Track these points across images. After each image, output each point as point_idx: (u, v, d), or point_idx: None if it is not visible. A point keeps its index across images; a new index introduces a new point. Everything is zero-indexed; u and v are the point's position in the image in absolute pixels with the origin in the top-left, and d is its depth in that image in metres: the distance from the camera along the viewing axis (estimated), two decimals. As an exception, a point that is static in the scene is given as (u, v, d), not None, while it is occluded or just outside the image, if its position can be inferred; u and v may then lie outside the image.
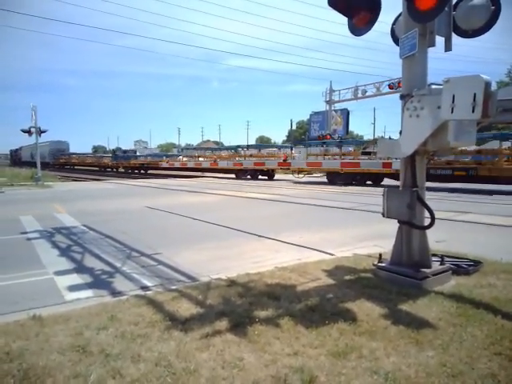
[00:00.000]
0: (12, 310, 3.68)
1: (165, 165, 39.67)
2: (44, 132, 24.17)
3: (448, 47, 4.38)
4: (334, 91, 34.30)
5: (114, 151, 53.37)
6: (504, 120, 3.88)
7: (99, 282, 4.56)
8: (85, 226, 8.42)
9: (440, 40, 4.37)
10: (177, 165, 38.28)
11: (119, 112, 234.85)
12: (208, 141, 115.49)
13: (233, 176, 30.75)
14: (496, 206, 11.47)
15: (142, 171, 44.42)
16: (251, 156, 32.45)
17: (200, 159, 37.57)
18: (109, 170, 50.78)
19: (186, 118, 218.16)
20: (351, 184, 21.47)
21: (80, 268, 5.17)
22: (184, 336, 2.99)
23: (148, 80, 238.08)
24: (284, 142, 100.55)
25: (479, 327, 3.06)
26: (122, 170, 47.15)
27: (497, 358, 2.61)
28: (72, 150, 70.41)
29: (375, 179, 21.33)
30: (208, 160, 35.61)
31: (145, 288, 4.31)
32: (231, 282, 4.30)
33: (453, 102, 3.60)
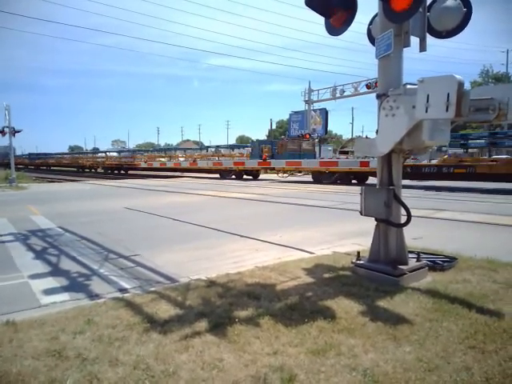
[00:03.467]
0: (-16, 316, 3.56)
1: (143, 165, 39.22)
2: (18, 132, 23.60)
3: (423, 48, 4.46)
4: (313, 91, 34.55)
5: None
6: (476, 119, 3.95)
7: (76, 285, 4.47)
8: (61, 227, 8.24)
9: (415, 40, 4.45)
10: (156, 165, 37.95)
11: (97, 111, 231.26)
12: (188, 140, 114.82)
13: (216, 176, 30.68)
14: (471, 203, 11.76)
15: (122, 171, 44.18)
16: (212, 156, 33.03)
17: (180, 159, 37.41)
18: (87, 170, 50.32)
19: (166, 118, 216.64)
20: (336, 183, 21.58)
21: (56, 271, 5.05)
22: (163, 338, 2.96)
23: (127, 79, 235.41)
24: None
25: (454, 322, 3.13)
26: (101, 171, 46.73)
27: (471, 351, 2.67)
28: (48, 150, 69.87)
29: (362, 178, 21.53)
30: (188, 160, 35.52)
31: (123, 290, 4.24)
32: (211, 283, 4.28)
33: (427, 101, 3.66)
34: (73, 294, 4.16)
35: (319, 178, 22.85)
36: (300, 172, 26.67)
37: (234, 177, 28.82)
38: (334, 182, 21.78)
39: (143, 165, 39.41)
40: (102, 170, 45.71)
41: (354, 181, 21.91)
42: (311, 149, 30.33)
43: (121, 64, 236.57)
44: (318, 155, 30.38)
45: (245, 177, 28.81)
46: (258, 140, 34.00)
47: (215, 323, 3.18)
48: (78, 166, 53.15)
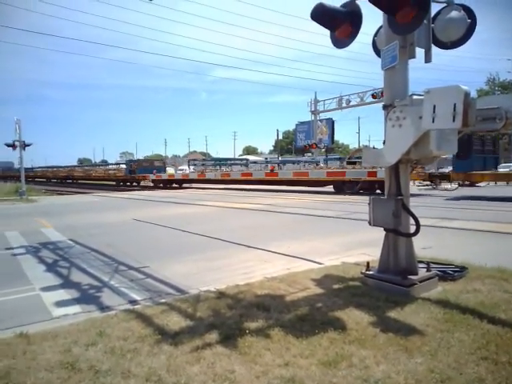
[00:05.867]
0: (-2, 329, 3.61)
1: (152, 177, 39.36)
2: (28, 145, 23.84)
3: (428, 59, 4.50)
4: (319, 101, 34.78)
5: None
6: (483, 128, 3.96)
7: (87, 297, 4.51)
8: (71, 240, 8.32)
9: (420, 51, 4.50)
10: (164, 177, 38.01)
11: (105, 124, 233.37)
12: (195, 152, 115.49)
13: (221, 186, 30.88)
14: (481, 212, 11.67)
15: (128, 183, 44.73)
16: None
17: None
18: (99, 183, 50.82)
19: (173, 130, 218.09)
20: (352, 193, 19.96)
21: (67, 283, 5.10)
22: (174, 350, 2.98)
23: (135, 92, 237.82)
24: (271, 151, 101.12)
25: (466, 332, 3.11)
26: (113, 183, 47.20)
27: (484, 362, 2.65)
28: (56, 162, 71.28)
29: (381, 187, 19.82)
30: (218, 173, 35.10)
31: (133, 302, 4.27)
32: (221, 294, 4.30)
33: (434, 111, 3.69)
34: (84, 306, 4.20)
35: (341, 187, 21.56)
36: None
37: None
38: (356, 193, 19.84)
39: (152, 177, 39.60)
40: (115, 183, 45.57)
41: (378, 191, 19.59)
42: (162, 165, 42.88)
43: (128, 77, 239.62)
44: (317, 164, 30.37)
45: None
46: (129, 159, 48.68)
47: (226, 335, 3.19)
48: (89, 178, 53.94)
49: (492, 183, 22.10)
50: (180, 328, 3.40)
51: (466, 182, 19.95)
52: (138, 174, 39.81)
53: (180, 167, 43.33)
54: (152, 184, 38.15)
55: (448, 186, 20.37)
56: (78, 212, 14.77)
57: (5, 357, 2.94)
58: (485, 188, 21.79)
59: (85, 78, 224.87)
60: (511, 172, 16.21)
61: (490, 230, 8.24)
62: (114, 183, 44.72)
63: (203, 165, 43.36)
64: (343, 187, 21.40)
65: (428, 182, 21.92)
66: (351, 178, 20.92)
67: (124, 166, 46.01)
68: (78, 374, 2.67)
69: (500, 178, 16.84)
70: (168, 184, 36.24)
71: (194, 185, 35.17)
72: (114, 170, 49.91)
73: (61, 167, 64.06)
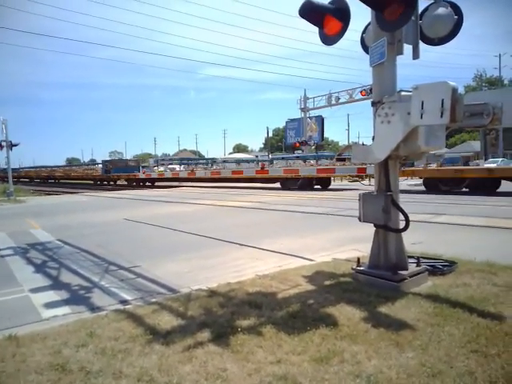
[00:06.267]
0: (-14, 331, 3.56)
1: (141, 176, 39.25)
2: (15, 145, 23.55)
3: (416, 55, 4.52)
4: (309, 99, 34.88)
5: None
6: (471, 124, 4.00)
7: (77, 298, 4.47)
8: (60, 240, 8.23)
9: (408, 48, 4.52)
10: (154, 175, 38.07)
11: (93, 123, 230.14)
12: (185, 150, 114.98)
13: (211, 185, 30.83)
14: (469, 207, 11.80)
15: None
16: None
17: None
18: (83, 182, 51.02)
19: (163, 128, 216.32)
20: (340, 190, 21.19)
21: (56, 284, 5.05)
22: (166, 349, 2.96)
23: (124, 91, 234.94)
24: (261, 149, 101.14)
25: (456, 326, 3.14)
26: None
27: (474, 355, 2.68)
28: (44, 163, 71.31)
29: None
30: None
31: (124, 302, 4.24)
32: (212, 293, 4.29)
33: (422, 107, 3.72)
34: (74, 306, 4.16)
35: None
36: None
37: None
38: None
39: (141, 176, 39.47)
40: (126, 183, 45.45)
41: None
42: (136, 165, 44.44)
43: (117, 76, 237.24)
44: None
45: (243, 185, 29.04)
46: (105, 160, 49.80)
47: (218, 333, 3.18)
48: (69, 177, 55.30)
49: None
50: (171, 327, 3.38)
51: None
52: (113, 174, 42.25)
53: (170, 166, 43.16)
54: (126, 183, 41.20)
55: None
56: (67, 212, 14.62)
57: (-7, 360, 2.90)
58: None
59: (75, 78, 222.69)
60: (419, 168, 18.00)
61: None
62: (91, 182, 48.12)
63: (171, 164, 45.50)
64: (287, 183, 24.27)
65: (356, 179, 24.80)
66: (293, 176, 23.83)
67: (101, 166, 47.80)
68: (69, 376, 2.64)
69: (415, 173, 18.86)
70: (141, 182, 39.65)
71: (183, 183, 35.17)
72: (92, 169, 52.60)
73: (43, 167, 65.87)
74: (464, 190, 17.24)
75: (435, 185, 18.17)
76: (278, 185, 26.35)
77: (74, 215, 13.44)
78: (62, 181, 55.10)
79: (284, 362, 2.72)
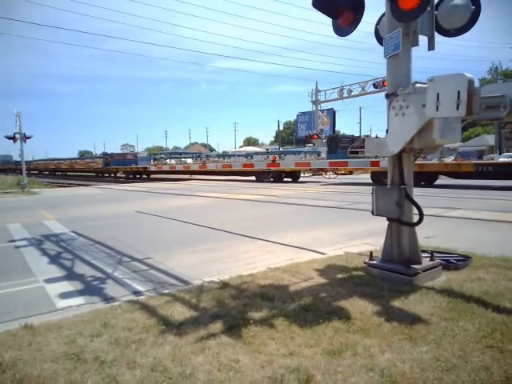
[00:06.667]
0: (3, 320, 3.62)
1: (153, 168, 39.45)
2: (29, 138, 23.90)
3: (431, 46, 4.44)
4: (320, 91, 34.59)
5: None
6: (487, 117, 3.91)
7: (90, 289, 4.52)
8: (74, 232, 8.33)
9: (423, 39, 4.44)
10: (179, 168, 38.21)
11: (106, 116, 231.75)
12: (196, 143, 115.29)
13: (222, 178, 30.93)
14: (484, 201, 11.64)
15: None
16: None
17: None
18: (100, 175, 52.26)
19: (174, 121, 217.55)
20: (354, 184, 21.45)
21: (70, 275, 5.11)
22: (179, 340, 2.98)
23: (135, 84, 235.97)
24: (272, 142, 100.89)
25: (471, 321, 3.11)
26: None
27: (489, 350, 2.65)
28: (57, 155, 73.70)
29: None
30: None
31: (137, 293, 4.28)
32: (224, 285, 4.30)
33: (437, 100, 3.66)
34: (88, 297, 4.22)
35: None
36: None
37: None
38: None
39: (152, 168, 39.69)
40: (124, 175, 46.64)
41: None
42: (133, 159, 45.85)
43: (129, 69, 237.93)
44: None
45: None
46: (105, 153, 50.90)
47: (230, 325, 3.20)
48: (73, 170, 58.14)
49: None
50: (184, 318, 3.40)
51: (338, 173, 26.00)
52: (112, 166, 45.01)
53: (182, 159, 44.31)
54: (124, 175, 43.69)
55: (331, 175, 26.60)
56: (80, 204, 14.79)
57: (11, 348, 2.96)
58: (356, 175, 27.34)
59: (86, 70, 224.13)
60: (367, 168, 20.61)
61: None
62: (93, 174, 51.56)
63: (161, 158, 47.56)
64: (260, 176, 26.73)
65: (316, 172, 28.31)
66: (264, 169, 26.19)
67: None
68: (84, 365, 2.67)
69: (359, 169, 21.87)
70: (133, 175, 42.19)
71: (194, 176, 35.34)
72: (93, 162, 55.23)
73: (51, 160, 69.54)
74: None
75: (379, 179, 20.21)
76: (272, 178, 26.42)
77: (86, 207, 13.59)
78: (68, 173, 58.66)
79: (296, 354, 2.72)
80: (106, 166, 45.63)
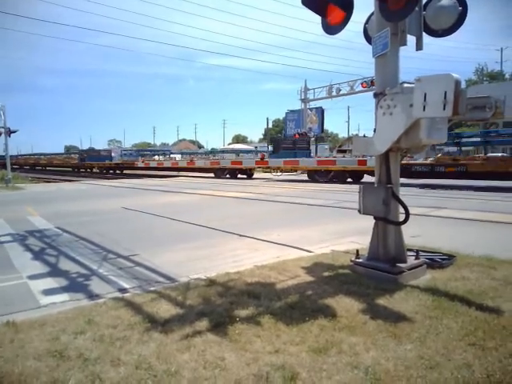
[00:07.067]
0: (-16, 317, 3.56)
1: (140, 164, 39.28)
2: (14, 132, 23.49)
3: (419, 46, 4.48)
4: (309, 90, 34.67)
5: None
6: (474, 117, 3.96)
7: (75, 286, 4.47)
8: (58, 228, 8.22)
9: (412, 39, 4.47)
10: (152, 164, 38.23)
11: (93, 111, 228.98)
12: (184, 140, 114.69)
13: (210, 175, 30.80)
14: (468, 201, 11.80)
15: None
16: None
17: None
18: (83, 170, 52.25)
19: (162, 118, 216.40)
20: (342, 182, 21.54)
21: (55, 271, 5.04)
22: (164, 337, 2.96)
23: (123, 79, 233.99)
24: (261, 140, 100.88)
25: (454, 319, 3.15)
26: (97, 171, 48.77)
27: (471, 348, 2.69)
28: (43, 150, 75.04)
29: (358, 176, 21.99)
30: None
31: (122, 290, 4.24)
32: (211, 282, 4.29)
33: (424, 100, 3.69)
34: (72, 294, 4.16)
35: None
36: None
37: (228, 176, 29.95)
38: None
39: (140, 164, 39.54)
40: (98, 170, 47.35)
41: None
42: (108, 155, 46.87)
43: (117, 64, 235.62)
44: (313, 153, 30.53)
45: (239, 176, 29.20)
46: (81, 150, 56.72)
47: (216, 322, 3.19)
48: (52, 165, 60.32)
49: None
50: (170, 316, 3.38)
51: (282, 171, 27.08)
52: (87, 162, 48.57)
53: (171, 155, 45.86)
54: (98, 170, 46.52)
55: (277, 173, 27.46)
56: (65, 200, 14.60)
57: (-9, 346, 2.90)
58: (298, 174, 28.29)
59: (74, 64, 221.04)
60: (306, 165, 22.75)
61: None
62: (70, 169, 54.55)
63: (130, 155, 53.00)
64: (218, 173, 28.44)
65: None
66: (221, 166, 28.50)
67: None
68: (67, 362, 2.64)
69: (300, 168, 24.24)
70: (112, 170, 44.38)
71: (181, 173, 35.23)
72: (70, 158, 60.95)
73: (31, 155, 73.41)
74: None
75: (313, 176, 22.71)
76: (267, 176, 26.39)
77: (72, 203, 13.41)
78: (47, 168, 60.46)
79: (282, 351, 2.73)
80: (82, 162, 49.25)
